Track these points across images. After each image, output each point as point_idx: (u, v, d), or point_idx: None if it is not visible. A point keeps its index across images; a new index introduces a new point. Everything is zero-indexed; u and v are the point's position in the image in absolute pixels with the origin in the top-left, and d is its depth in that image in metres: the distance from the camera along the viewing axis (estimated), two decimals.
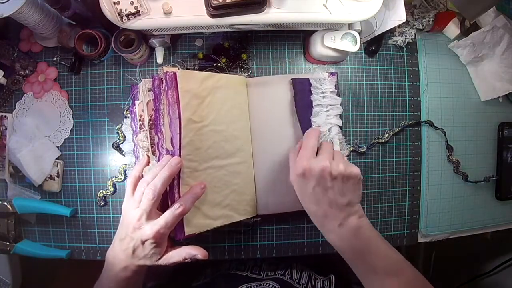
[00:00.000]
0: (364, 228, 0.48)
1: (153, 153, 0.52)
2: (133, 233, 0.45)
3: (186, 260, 0.47)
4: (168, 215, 0.44)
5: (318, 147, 0.51)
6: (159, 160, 0.50)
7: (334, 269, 0.70)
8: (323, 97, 0.60)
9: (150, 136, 0.53)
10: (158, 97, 0.51)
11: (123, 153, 0.62)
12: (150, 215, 0.45)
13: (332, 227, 0.48)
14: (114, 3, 0.50)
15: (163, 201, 0.49)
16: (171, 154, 0.49)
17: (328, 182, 0.47)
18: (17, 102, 0.62)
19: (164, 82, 0.49)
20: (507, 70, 0.65)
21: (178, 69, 0.52)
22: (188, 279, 0.67)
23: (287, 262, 0.67)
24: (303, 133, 0.58)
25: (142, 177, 0.49)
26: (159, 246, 0.45)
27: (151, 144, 0.53)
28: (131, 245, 0.45)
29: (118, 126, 0.62)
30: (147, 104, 0.53)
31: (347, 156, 0.63)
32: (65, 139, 0.63)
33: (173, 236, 0.49)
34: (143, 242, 0.44)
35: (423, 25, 0.65)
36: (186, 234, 0.48)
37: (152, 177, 0.46)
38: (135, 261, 0.46)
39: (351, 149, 0.64)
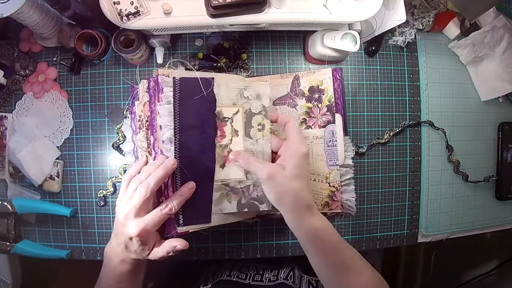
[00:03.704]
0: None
1: (149, 153, 0.52)
2: (121, 228, 0.46)
3: (170, 254, 0.47)
4: (155, 213, 0.45)
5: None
6: (154, 160, 0.50)
7: None
8: None
9: (146, 137, 0.53)
10: (152, 99, 0.51)
11: (123, 153, 0.61)
12: (139, 213, 0.45)
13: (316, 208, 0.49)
14: (114, 3, 0.50)
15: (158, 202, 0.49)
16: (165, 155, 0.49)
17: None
18: (17, 102, 0.62)
19: (157, 84, 0.49)
20: (507, 70, 0.65)
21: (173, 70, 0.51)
22: (189, 280, 0.67)
23: (288, 265, 0.67)
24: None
25: None
26: (146, 243, 0.46)
27: (147, 145, 0.53)
28: (123, 240, 0.46)
29: (118, 126, 0.62)
30: (144, 105, 0.53)
31: (352, 158, 0.62)
32: (65, 139, 0.62)
33: (167, 234, 0.49)
34: (130, 238, 0.45)
35: (423, 25, 0.65)
36: (179, 232, 0.48)
37: (146, 175, 0.46)
38: (129, 254, 0.47)
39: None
